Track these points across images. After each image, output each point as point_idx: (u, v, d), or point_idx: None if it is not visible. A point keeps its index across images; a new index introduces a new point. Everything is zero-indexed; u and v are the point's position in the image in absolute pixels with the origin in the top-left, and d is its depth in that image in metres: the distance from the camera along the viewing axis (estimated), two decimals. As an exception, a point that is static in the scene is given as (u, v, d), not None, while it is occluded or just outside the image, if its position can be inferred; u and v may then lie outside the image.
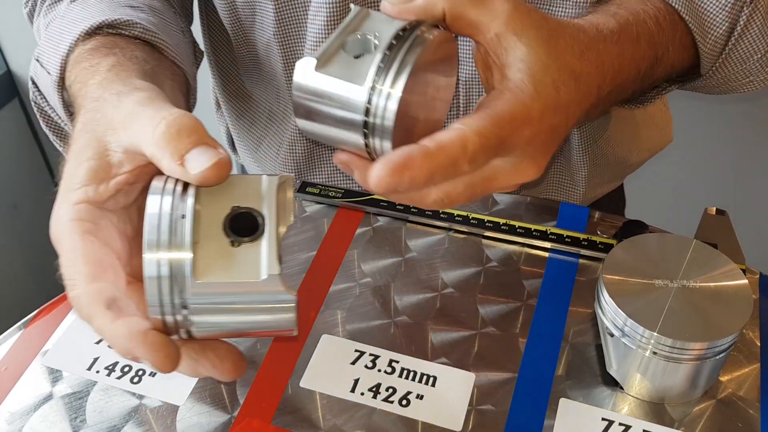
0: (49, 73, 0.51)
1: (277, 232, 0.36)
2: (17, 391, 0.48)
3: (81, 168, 0.39)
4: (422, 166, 0.36)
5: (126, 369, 0.48)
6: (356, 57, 0.37)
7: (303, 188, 0.60)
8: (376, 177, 0.36)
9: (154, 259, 0.34)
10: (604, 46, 0.44)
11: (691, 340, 0.42)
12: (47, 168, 1.49)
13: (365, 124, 0.36)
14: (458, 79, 0.63)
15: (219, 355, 0.37)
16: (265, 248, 0.35)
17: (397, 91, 0.35)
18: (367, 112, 0.36)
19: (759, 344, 0.49)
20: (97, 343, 0.50)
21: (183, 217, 0.35)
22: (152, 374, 0.48)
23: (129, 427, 0.46)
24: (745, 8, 0.53)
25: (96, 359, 0.49)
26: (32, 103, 0.55)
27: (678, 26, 0.52)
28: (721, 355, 0.44)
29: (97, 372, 0.48)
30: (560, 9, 0.58)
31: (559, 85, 0.40)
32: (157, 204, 0.35)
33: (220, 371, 0.37)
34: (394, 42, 0.37)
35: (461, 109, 0.63)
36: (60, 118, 0.54)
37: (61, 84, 0.49)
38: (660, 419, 0.46)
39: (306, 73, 0.36)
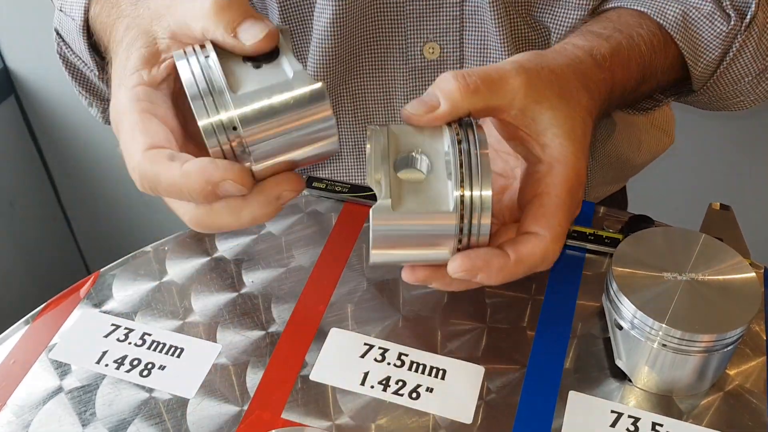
0: (73, 18, 0.54)
1: (292, 51, 0.40)
2: (25, 384, 0.48)
3: (132, 56, 0.41)
4: (497, 275, 0.40)
5: (135, 362, 0.48)
6: (414, 179, 0.40)
7: (309, 183, 0.60)
8: (455, 266, 0.40)
9: (195, 86, 0.38)
10: (598, 73, 0.47)
11: (699, 332, 0.43)
12: (43, 165, 1.49)
13: (459, 240, 0.40)
14: None
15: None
16: (285, 61, 0.39)
17: (487, 202, 0.39)
18: (461, 230, 0.39)
19: (765, 337, 0.50)
20: (106, 336, 0.50)
21: (207, 57, 0.39)
22: (161, 367, 0.48)
23: (139, 420, 0.45)
24: (738, 36, 0.54)
25: (105, 353, 0.49)
26: (57, 55, 0.59)
27: (670, 48, 0.54)
28: (729, 348, 0.44)
29: (106, 365, 0.48)
30: (563, 11, 0.58)
31: (584, 127, 0.43)
32: (183, 56, 0.40)
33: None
34: (451, 152, 0.40)
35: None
36: (85, 64, 0.57)
37: (86, 28, 0.53)
38: (668, 411, 0.46)
39: (385, 218, 0.39)
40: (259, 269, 0.54)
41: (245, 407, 0.46)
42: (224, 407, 0.46)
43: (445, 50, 0.62)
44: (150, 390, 0.47)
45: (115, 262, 0.55)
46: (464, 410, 0.46)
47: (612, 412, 0.46)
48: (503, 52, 0.60)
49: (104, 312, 0.52)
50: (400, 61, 0.63)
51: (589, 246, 0.55)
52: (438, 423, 0.45)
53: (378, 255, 0.40)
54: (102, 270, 0.54)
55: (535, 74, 0.42)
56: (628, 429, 0.45)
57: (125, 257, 0.55)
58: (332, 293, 0.53)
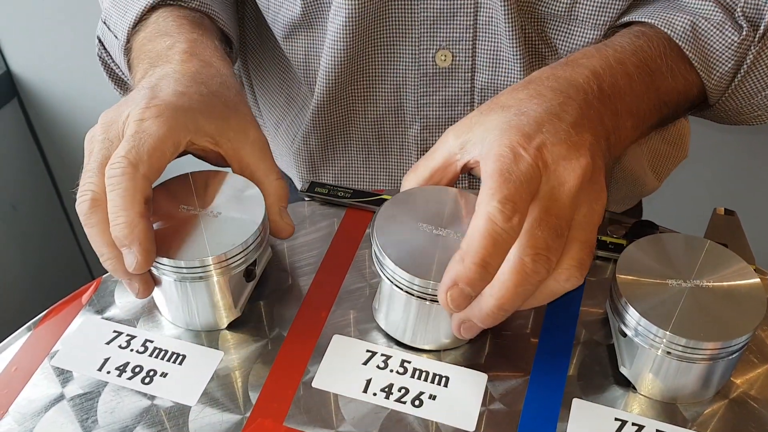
0: (116, 37, 0.59)
1: None
2: (27, 391, 0.47)
3: (160, 131, 0.46)
4: (461, 266, 0.41)
5: (137, 369, 0.48)
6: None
7: (312, 188, 0.60)
8: (441, 298, 0.42)
9: None
10: (600, 104, 0.48)
11: (704, 340, 0.42)
12: (46, 169, 1.49)
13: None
14: (473, 86, 0.63)
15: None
16: None
17: None
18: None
19: (770, 344, 0.50)
20: (108, 343, 0.50)
21: None
22: (163, 375, 0.48)
23: (141, 427, 0.45)
24: (752, 47, 0.53)
25: (107, 360, 0.49)
26: (97, 57, 0.65)
27: (684, 61, 0.53)
28: (734, 355, 0.44)
29: (108, 372, 0.48)
30: (577, 30, 0.58)
31: (519, 115, 0.45)
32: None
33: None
34: None
35: None
36: (123, 73, 0.62)
37: (127, 48, 0.58)
38: (673, 419, 0.46)
39: None
40: (262, 275, 0.54)
41: (247, 415, 0.46)
42: (226, 415, 0.46)
43: (457, 59, 0.62)
44: (152, 397, 0.47)
45: (117, 269, 0.55)
46: (467, 418, 0.45)
47: (616, 419, 0.45)
48: (516, 63, 0.60)
49: (106, 319, 0.51)
50: (412, 67, 0.63)
51: (593, 252, 0.55)
52: (440, 431, 0.45)
53: None
54: (104, 276, 0.54)
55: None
56: (632, 437, 0.45)
57: (127, 263, 0.55)
58: (335, 299, 0.52)
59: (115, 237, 0.44)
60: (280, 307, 0.52)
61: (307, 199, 0.60)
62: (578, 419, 0.45)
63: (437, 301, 0.45)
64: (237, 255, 0.47)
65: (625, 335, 0.46)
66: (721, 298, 0.44)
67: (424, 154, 0.62)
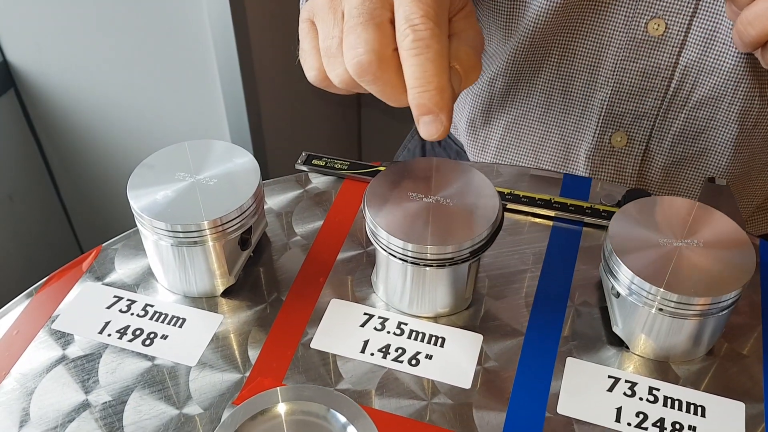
0: None
1: None
2: (29, 353, 0.48)
3: None
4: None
5: (138, 332, 0.49)
6: None
7: (309, 160, 0.61)
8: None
9: None
10: None
11: (695, 296, 0.43)
12: (43, 160, 1.49)
13: None
14: (678, 62, 0.62)
15: None
16: None
17: None
18: None
19: (761, 307, 0.50)
20: (108, 308, 0.50)
21: None
22: (164, 337, 0.49)
23: (142, 387, 0.46)
24: None
25: (107, 323, 0.50)
26: None
27: None
28: (724, 312, 0.44)
29: (109, 335, 0.49)
30: None
31: None
32: None
33: None
34: None
35: (669, 96, 0.63)
36: None
37: None
38: (665, 377, 0.46)
39: None
40: (260, 243, 0.54)
41: (247, 374, 0.46)
42: (226, 375, 0.46)
43: (670, 30, 0.61)
44: (152, 358, 0.48)
45: (117, 237, 0.55)
46: (463, 376, 0.46)
47: (609, 377, 0.46)
48: (730, 46, 0.59)
49: (107, 284, 0.52)
50: (620, 29, 0.62)
51: (586, 219, 0.56)
52: (437, 388, 0.46)
53: None
54: (104, 244, 0.55)
55: None
56: (625, 393, 0.45)
57: (127, 232, 0.56)
58: (332, 266, 0.53)
59: (421, 104, 0.40)
60: (279, 273, 0.53)
61: (305, 169, 0.60)
62: (572, 377, 0.46)
63: (431, 266, 0.45)
64: (232, 220, 0.48)
65: (618, 295, 0.47)
66: (711, 257, 0.45)
67: (606, 122, 0.61)
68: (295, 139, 1.46)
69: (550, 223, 0.56)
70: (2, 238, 1.44)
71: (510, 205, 0.57)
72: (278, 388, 0.37)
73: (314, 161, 0.61)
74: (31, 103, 1.41)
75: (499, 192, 0.54)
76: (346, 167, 0.60)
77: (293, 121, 1.46)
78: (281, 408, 0.36)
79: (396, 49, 0.41)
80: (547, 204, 0.56)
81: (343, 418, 0.36)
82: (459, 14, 0.45)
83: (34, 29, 1.30)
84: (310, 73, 0.46)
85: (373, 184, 0.48)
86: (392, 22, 0.41)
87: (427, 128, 0.41)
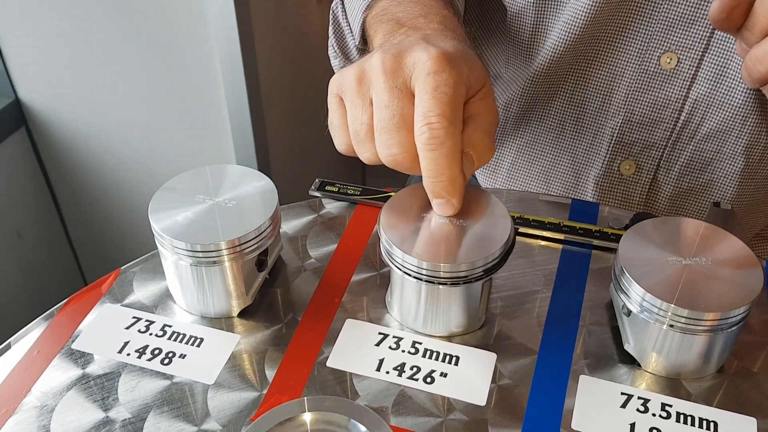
0: None
1: None
2: (49, 372, 0.49)
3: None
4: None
5: (156, 352, 0.50)
6: None
7: (322, 186, 0.62)
8: None
9: None
10: None
11: (706, 311, 0.44)
12: (51, 196, 1.51)
13: None
14: (688, 95, 0.64)
15: None
16: None
17: None
18: None
19: (768, 326, 0.51)
20: (127, 328, 0.51)
21: None
22: (182, 356, 0.49)
23: (161, 404, 0.47)
24: None
25: (126, 343, 0.50)
26: (330, 12, 0.68)
27: None
28: (734, 328, 0.45)
29: (128, 355, 0.50)
30: None
31: None
32: None
33: None
34: None
35: (678, 128, 0.65)
36: (351, 32, 0.66)
37: (369, 6, 0.62)
38: (677, 394, 0.47)
39: None
40: (276, 265, 0.55)
41: (264, 392, 0.47)
42: (244, 392, 0.47)
43: (682, 64, 0.63)
44: (171, 377, 0.48)
45: (135, 260, 0.56)
46: (478, 393, 0.47)
47: (622, 393, 0.47)
48: (740, 82, 0.61)
49: (125, 306, 0.53)
50: (634, 61, 0.64)
51: (595, 242, 0.57)
52: (452, 405, 0.46)
53: None
54: (123, 267, 0.56)
55: None
56: (638, 409, 0.46)
57: (144, 255, 0.57)
58: (346, 287, 0.54)
59: (434, 191, 0.47)
60: (294, 294, 0.54)
61: (318, 195, 0.62)
62: (585, 394, 0.47)
63: (445, 284, 0.46)
64: (250, 241, 0.49)
65: (629, 313, 0.47)
66: (719, 274, 0.46)
67: (615, 150, 0.64)
68: (301, 172, 1.48)
69: (560, 246, 0.57)
70: (9, 274, 1.44)
71: (520, 229, 0.58)
72: (303, 398, 0.38)
73: (327, 187, 0.62)
74: (42, 140, 1.43)
75: (511, 217, 0.56)
76: (358, 193, 0.61)
77: (299, 158, 1.48)
78: (305, 417, 0.37)
79: None
80: (556, 227, 0.57)
81: (363, 428, 0.36)
82: (477, 95, 0.48)
83: (46, 69, 1.33)
84: (341, 147, 0.50)
85: (387, 206, 0.50)
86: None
87: (440, 208, 0.48)
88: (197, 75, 1.25)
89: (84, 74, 1.32)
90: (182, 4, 1.17)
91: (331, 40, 0.69)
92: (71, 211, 1.54)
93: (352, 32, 0.65)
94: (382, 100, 0.46)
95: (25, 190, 1.46)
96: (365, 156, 0.48)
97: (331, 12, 0.68)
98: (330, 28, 0.69)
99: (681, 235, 0.49)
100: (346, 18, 0.66)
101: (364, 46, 0.65)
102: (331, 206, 0.61)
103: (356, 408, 0.37)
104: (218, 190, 0.51)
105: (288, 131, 1.38)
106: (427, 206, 0.49)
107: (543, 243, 0.58)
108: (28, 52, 1.32)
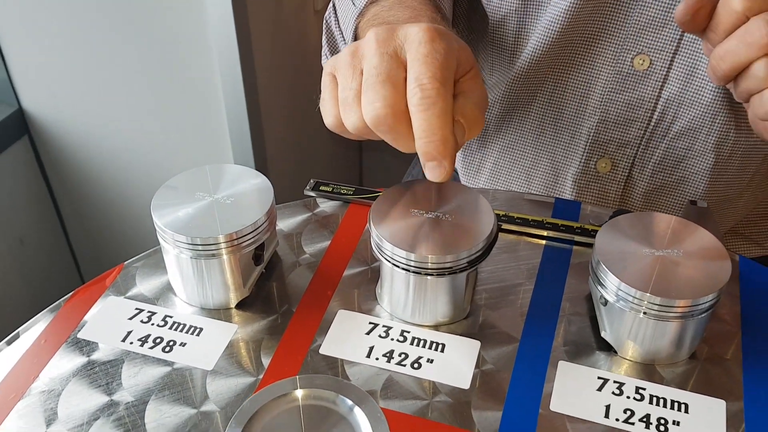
0: (354, 4, 0.67)
1: None
2: (56, 359, 0.51)
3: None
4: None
5: (158, 340, 0.52)
6: None
7: (317, 187, 0.65)
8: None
9: None
10: None
11: (677, 298, 0.47)
12: (53, 204, 1.54)
13: None
14: (660, 95, 0.67)
15: None
16: None
17: None
18: None
19: (740, 317, 0.54)
20: (130, 319, 0.54)
21: None
22: (182, 344, 0.52)
23: (162, 389, 0.49)
24: None
25: (129, 332, 0.53)
26: (324, 22, 0.71)
27: None
28: (703, 315, 0.48)
29: (131, 343, 0.52)
30: None
31: None
32: None
33: None
34: None
35: (651, 126, 0.68)
36: (343, 38, 0.69)
37: (361, 13, 0.66)
38: (651, 378, 0.50)
39: None
40: (272, 261, 0.58)
41: (260, 377, 0.50)
42: (241, 378, 0.50)
43: (654, 66, 0.66)
44: (171, 364, 0.51)
45: (138, 256, 0.59)
46: (462, 378, 0.49)
47: (599, 378, 0.49)
48: (708, 82, 0.65)
49: (128, 298, 0.56)
50: (609, 63, 0.67)
51: (576, 238, 0.59)
52: (438, 389, 0.49)
53: None
54: (126, 262, 0.59)
55: None
56: (613, 392, 0.49)
57: (147, 252, 0.60)
58: (339, 281, 0.57)
59: (427, 152, 0.46)
60: (289, 287, 0.56)
61: (313, 195, 0.64)
62: (564, 378, 0.49)
63: (432, 275, 0.49)
64: (246, 235, 0.52)
65: (606, 303, 0.50)
66: (690, 264, 0.49)
67: (592, 148, 0.68)
68: (298, 174, 1.50)
69: (543, 242, 0.60)
70: (11, 279, 1.47)
71: (505, 226, 0.61)
72: (295, 377, 0.40)
73: (322, 187, 0.65)
74: (44, 149, 1.46)
75: (495, 213, 0.58)
76: (351, 192, 0.64)
77: (296, 159, 1.50)
78: (297, 393, 0.40)
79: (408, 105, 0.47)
80: (539, 224, 0.60)
81: (350, 402, 0.39)
82: (466, 76, 0.50)
83: (49, 78, 1.36)
84: (328, 120, 0.51)
85: (377, 202, 0.52)
86: (406, 80, 0.47)
87: (432, 172, 0.47)
88: (198, 83, 1.28)
89: (86, 83, 1.35)
90: (183, 11, 1.20)
91: (325, 49, 0.72)
92: (72, 217, 1.57)
93: (344, 39, 0.68)
94: (372, 63, 0.48)
95: (28, 197, 1.49)
96: (350, 120, 0.49)
97: (324, 22, 0.71)
98: (323, 37, 0.72)
99: (654, 228, 0.52)
100: (339, 26, 0.69)
101: None
102: (325, 205, 0.64)
103: (344, 385, 0.40)
104: (217, 187, 0.54)
105: (285, 134, 1.41)
106: (415, 203, 0.52)
107: (527, 239, 0.60)
108: (31, 62, 1.35)
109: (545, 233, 0.60)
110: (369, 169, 1.75)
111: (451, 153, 0.47)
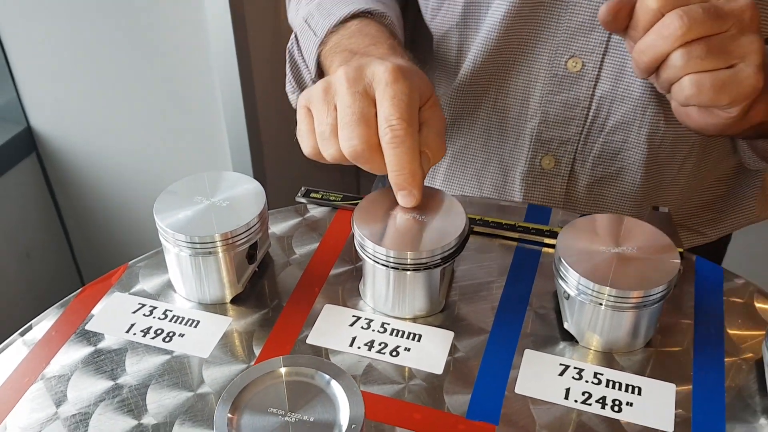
0: (315, 34, 0.70)
1: None
2: (66, 348, 0.56)
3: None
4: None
5: (159, 332, 0.57)
6: None
7: (307, 194, 0.70)
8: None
9: None
10: None
11: (631, 290, 0.52)
12: (59, 219, 1.59)
13: None
14: (594, 94, 0.73)
15: None
16: None
17: None
18: None
19: (693, 311, 0.59)
20: (134, 312, 0.59)
21: None
22: (181, 335, 0.57)
23: (162, 374, 0.54)
24: None
25: (133, 325, 0.58)
26: (287, 51, 0.75)
27: None
28: (656, 305, 0.53)
29: (134, 334, 0.57)
30: None
31: None
32: None
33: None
34: None
35: (588, 123, 0.74)
36: (307, 67, 0.72)
37: (323, 42, 0.69)
38: (609, 365, 0.54)
39: None
40: (264, 261, 0.63)
41: (252, 363, 0.54)
42: (234, 365, 0.54)
43: (586, 67, 0.72)
44: (171, 352, 0.56)
45: (141, 257, 0.64)
46: (436, 364, 0.54)
47: (560, 364, 0.54)
48: (635, 80, 0.71)
49: (132, 294, 0.61)
50: (545, 67, 0.73)
51: (546, 240, 0.64)
52: (413, 374, 0.54)
53: None
54: (130, 262, 0.64)
55: None
56: (573, 377, 0.53)
57: (149, 253, 0.65)
58: (326, 279, 0.62)
59: (398, 183, 0.54)
60: (280, 285, 0.61)
61: (304, 201, 0.70)
62: (529, 365, 0.54)
63: (409, 269, 0.54)
64: (240, 234, 0.57)
65: (568, 297, 0.55)
66: (642, 259, 0.54)
67: (536, 147, 0.75)
68: (295, 181, 1.55)
69: (515, 243, 0.65)
70: (17, 293, 1.51)
71: (480, 229, 0.65)
72: (279, 357, 0.45)
73: (312, 194, 0.70)
74: (51, 165, 1.51)
75: (470, 218, 0.63)
76: (339, 199, 0.69)
77: (293, 167, 1.55)
78: (281, 371, 0.44)
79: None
80: (512, 228, 0.65)
81: (327, 376, 0.44)
82: (426, 104, 0.57)
83: (56, 97, 1.41)
84: (306, 150, 0.58)
85: (360, 206, 0.58)
86: (376, 116, 0.54)
87: (403, 199, 0.56)
88: (198, 99, 1.33)
89: (90, 102, 1.40)
90: (184, 33, 1.25)
91: (289, 77, 0.77)
92: (77, 230, 1.62)
93: (308, 67, 0.72)
94: (345, 102, 0.54)
95: (35, 212, 1.54)
96: (329, 152, 0.56)
97: (287, 52, 0.76)
98: (287, 66, 0.76)
99: (610, 228, 0.56)
100: (302, 55, 0.73)
101: (320, 78, 0.73)
102: (315, 211, 0.69)
103: (322, 363, 0.44)
104: (214, 192, 0.59)
105: (283, 142, 1.45)
106: (393, 206, 0.57)
107: (500, 241, 0.65)
108: (38, 81, 1.40)
109: (517, 235, 0.65)
110: (366, 177, 1.80)
111: (419, 183, 0.54)
